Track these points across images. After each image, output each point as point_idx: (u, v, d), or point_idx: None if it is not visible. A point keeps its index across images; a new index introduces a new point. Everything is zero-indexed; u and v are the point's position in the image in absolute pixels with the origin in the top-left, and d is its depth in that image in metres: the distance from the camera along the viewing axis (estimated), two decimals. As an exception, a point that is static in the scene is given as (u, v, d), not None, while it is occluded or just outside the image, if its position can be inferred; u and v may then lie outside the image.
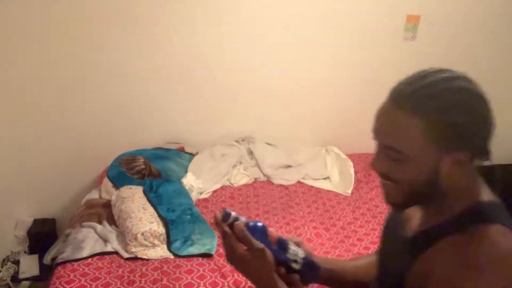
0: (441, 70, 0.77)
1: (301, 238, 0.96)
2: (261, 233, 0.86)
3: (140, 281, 1.84)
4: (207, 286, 1.82)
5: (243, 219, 0.85)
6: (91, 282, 1.84)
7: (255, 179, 2.78)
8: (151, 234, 2.04)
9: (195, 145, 2.96)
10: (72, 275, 1.87)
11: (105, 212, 2.31)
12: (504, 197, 2.94)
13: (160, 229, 2.09)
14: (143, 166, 2.57)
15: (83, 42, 2.67)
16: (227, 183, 2.72)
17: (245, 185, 2.71)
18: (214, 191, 2.63)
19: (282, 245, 0.88)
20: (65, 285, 1.82)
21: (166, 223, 2.13)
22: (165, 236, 2.08)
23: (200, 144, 2.96)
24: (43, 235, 2.71)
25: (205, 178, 2.67)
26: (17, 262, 2.62)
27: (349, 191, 2.64)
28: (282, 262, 0.87)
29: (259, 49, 2.87)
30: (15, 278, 2.52)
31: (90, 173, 2.89)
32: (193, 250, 2.04)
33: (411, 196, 0.80)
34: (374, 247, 2.11)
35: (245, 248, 0.84)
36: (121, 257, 2.01)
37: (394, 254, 0.89)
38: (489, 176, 3.12)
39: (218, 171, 2.73)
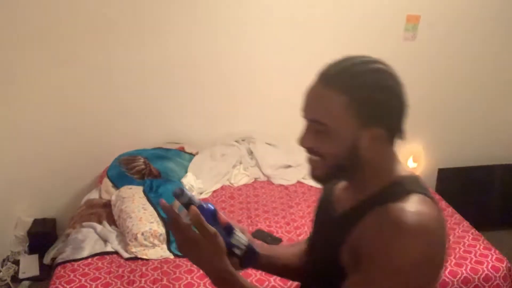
0: (362, 56, 0.85)
1: (244, 227, 1.00)
2: (211, 216, 0.87)
3: (140, 281, 1.84)
4: (207, 286, 1.82)
5: (196, 200, 0.85)
6: (91, 282, 1.84)
7: (255, 179, 2.78)
8: (151, 234, 2.04)
9: (195, 145, 2.96)
10: (72, 275, 1.87)
11: (105, 212, 2.31)
12: (504, 197, 2.92)
13: (160, 229, 2.09)
14: (143, 166, 2.57)
15: (83, 42, 2.67)
16: (227, 183, 2.72)
17: (245, 185, 2.71)
18: (214, 191, 2.63)
19: (228, 230, 0.89)
20: (65, 285, 1.82)
21: (166, 223, 2.12)
22: (165, 236, 2.08)
23: (200, 144, 2.96)
24: (43, 235, 2.71)
25: (205, 178, 2.67)
26: (17, 262, 2.62)
27: (349, 191, 2.64)
28: (226, 245, 0.88)
29: (259, 49, 2.87)
30: (15, 278, 2.52)
31: (90, 173, 2.89)
32: (193, 250, 2.04)
33: (335, 169, 0.86)
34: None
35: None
36: (121, 257, 2.01)
37: (326, 235, 0.94)
38: (489, 176, 3.10)
39: (218, 171, 2.73)
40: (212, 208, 0.87)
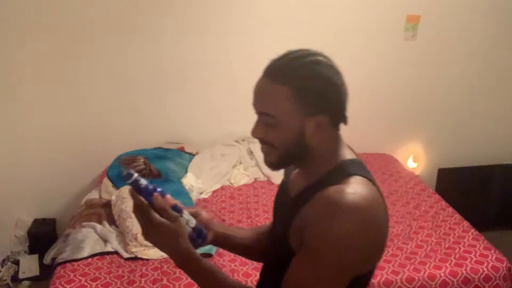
0: (303, 49, 0.91)
1: (199, 209, 1.05)
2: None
3: (140, 281, 1.84)
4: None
5: (143, 181, 0.89)
6: (91, 282, 1.84)
7: (255, 179, 2.78)
8: (151, 234, 2.04)
9: (195, 145, 2.96)
10: (72, 275, 1.87)
11: (105, 212, 2.31)
12: (504, 197, 2.92)
13: (160, 229, 2.08)
14: (143, 166, 2.57)
15: (83, 42, 2.67)
16: (227, 183, 2.72)
17: (245, 185, 2.71)
18: (214, 191, 2.63)
19: (176, 211, 0.91)
20: (65, 285, 1.82)
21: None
22: (165, 236, 2.08)
23: (200, 144, 2.96)
24: (43, 235, 2.70)
25: (205, 178, 2.67)
26: (17, 262, 2.62)
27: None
28: None
29: (259, 49, 2.86)
30: (15, 278, 2.53)
31: (90, 173, 2.89)
32: (193, 250, 2.04)
33: (285, 157, 0.92)
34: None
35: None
36: (121, 257, 2.01)
37: (280, 218, 1.01)
38: (489, 176, 3.10)
39: (218, 171, 2.73)
40: (160, 190, 0.90)
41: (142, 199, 0.87)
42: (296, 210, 0.91)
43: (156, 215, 0.87)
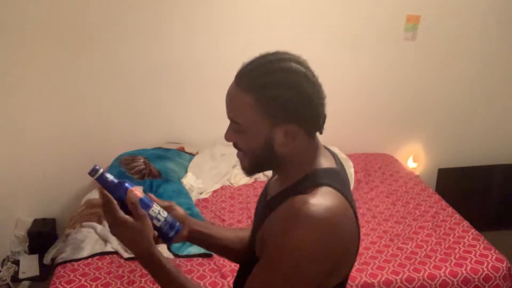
0: (275, 53, 0.88)
1: (173, 203, 1.02)
2: (123, 189, 0.90)
3: (140, 281, 1.84)
4: (207, 286, 1.83)
5: (109, 176, 0.90)
6: (91, 282, 1.84)
7: (255, 179, 2.78)
8: (151, 234, 2.04)
9: (195, 145, 2.96)
10: (72, 275, 1.87)
11: (105, 212, 2.31)
12: (504, 197, 2.93)
13: (160, 229, 2.09)
14: (143, 166, 2.57)
15: (83, 43, 2.67)
16: (227, 183, 2.72)
17: (245, 185, 2.71)
18: (214, 191, 2.63)
19: (144, 204, 0.91)
20: (65, 285, 1.82)
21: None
22: (165, 236, 2.08)
23: (200, 144, 2.96)
24: (43, 235, 2.71)
25: (205, 178, 2.67)
26: (17, 262, 2.62)
27: (349, 191, 2.63)
28: None
29: (259, 49, 2.86)
30: (15, 278, 2.52)
31: (90, 173, 2.88)
32: (193, 250, 2.04)
33: (255, 162, 0.91)
34: (374, 247, 2.11)
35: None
36: (121, 257, 2.01)
37: (254, 223, 1.00)
38: (489, 176, 3.11)
39: (218, 171, 2.73)
40: (127, 185, 0.91)
41: (109, 195, 0.87)
42: (263, 217, 0.91)
43: (121, 213, 0.87)
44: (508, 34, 3.12)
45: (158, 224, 0.93)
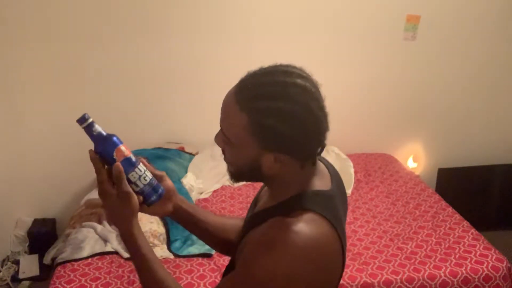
0: (281, 70, 0.81)
1: (165, 174, 0.99)
2: (110, 144, 0.87)
3: (140, 281, 1.84)
4: (207, 286, 1.83)
5: (98, 127, 0.86)
6: (91, 282, 1.84)
7: (255, 179, 2.78)
8: (151, 234, 2.04)
9: (195, 145, 2.96)
10: (72, 275, 1.87)
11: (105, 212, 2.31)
12: (504, 197, 2.93)
13: (160, 229, 2.09)
14: (143, 166, 2.57)
15: (83, 43, 2.67)
16: (227, 183, 2.72)
17: (245, 185, 2.71)
18: (214, 191, 2.63)
19: (128, 163, 0.88)
20: (65, 285, 1.82)
21: (166, 223, 2.12)
22: (165, 236, 2.08)
23: (200, 144, 2.96)
24: (43, 235, 2.70)
25: (205, 178, 2.67)
26: (17, 262, 2.62)
27: (349, 191, 2.64)
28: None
29: (259, 49, 2.86)
30: (15, 278, 2.52)
31: (90, 173, 2.85)
32: (193, 250, 2.04)
33: (240, 175, 0.88)
34: (374, 247, 2.11)
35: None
36: (121, 257, 2.01)
37: (241, 231, 0.96)
38: (489, 176, 3.10)
39: (218, 171, 2.73)
40: (115, 138, 0.88)
41: (99, 164, 0.86)
42: (247, 229, 0.89)
43: (106, 186, 0.85)
44: (508, 34, 3.12)
45: (136, 189, 0.89)
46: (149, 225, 2.07)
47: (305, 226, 0.78)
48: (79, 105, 2.78)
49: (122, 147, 0.88)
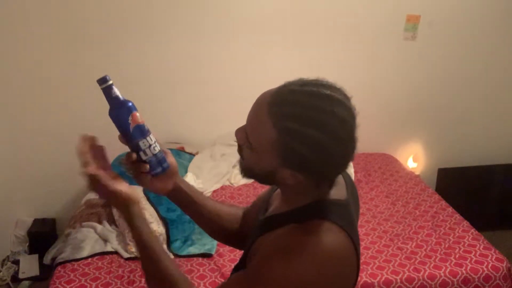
0: (328, 97, 0.76)
1: (169, 152, 1.00)
2: (126, 110, 0.89)
3: (140, 281, 1.84)
4: (207, 286, 1.83)
5: (117, 91, 0.88)
6: (91, 282, 1.84)
7: (255, 179, 2.78)
8: (151, 234, 2.04)
9: (195, 145, 2.96)
10: (72, 275, 1.87)
11: (105, 212, 2.31)
12: (504, 197, 2.92)
13: (160, 229, 2.09)
14: (143, 166, 2.57)
15: (83, 43, 2.67)
16: (227, 183, 2.72)
17: (245, 185, 2.71)
18: (214, 191, 2.63)
19: (141, 131, 0.91)
20: (65, 285, 1.82)
21: (166, 223, 2.12)
22: (165, 236, 2.08)
23: (200, 144, 2.96)
24: (43, 235, 2.70)
25: (205, 178, 2.67)
26: (17, 262, 2.62)
27: (349, 191, 2.63)
28: (134, 147, 0.92)
29: (259, 49, 2.87)
30: (15, 278, 2.52)
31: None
32: (193, 250, 2.04)
33: (250, 174, 0.87)
34: (374, 247, 2.11)
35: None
36: (121, 257, 2.01)
37: (252, 232, 0.96)
38: (489, 176, 3.10)
39: (218, 171, 2.73)
40: (130, 104, 0.90)
41: (94, 170, 0.88)
42: (258, 233, 0.88)
43: (101, 181, 0.88)
44: (508, 34, 3.12)
45: (144, 157, 0.91)
46: (149, 225, 2.07)
47: (324, 237, 0.78)
48: (79, 105, 2.78)
49: (137, 114, 0.90)
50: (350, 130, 0.77)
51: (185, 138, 2.99)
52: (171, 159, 0.97)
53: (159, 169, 0.93)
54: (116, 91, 0.87)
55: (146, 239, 0.89)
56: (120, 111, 0.89)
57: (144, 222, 0.90)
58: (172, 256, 2.01)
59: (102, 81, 0.86)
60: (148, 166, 0.91)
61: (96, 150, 0.94)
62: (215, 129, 3.02)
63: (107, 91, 0.87)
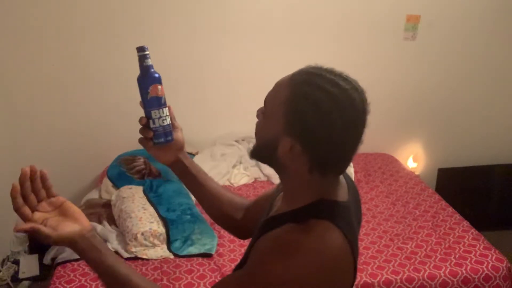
0: (349, 82, 0.80)
1: (180, 128, 1.09)
2: (151, 80, 0.98)
3: (140, 281, 1.84)
4: (207, 286, 1.82)
5: (150, 61, 0.97)
6: (91, 282, 1.84)
7: (255, 179, 2.78)
8: (151, 234, 2.04)
9: (195, 145, 2.96)
10: (72, 275, 1.87)
11: (105, 212, 2.31)
12: (504, 197, 2.92)
13: (160, 229, 2.09)
14: (143, 166, 2.57)
15: (83, 42, 2.67)
16: (227, 183, 2.72)
17: (245, 185, 2.71)
18: (214, 191, 2.63)
19: (157, 102, 0.99)
20: (65, 285, 1.82)
21: (166, 223, 2.12)
22: (165, 236, 2.08)
23: (200, 144, 2.96)
24: (43, 235, 2.70)
25: (205, 178, 2.67)
26: (17, 262, 2.62)
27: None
28: (147, 113, 1.00)
29: (259, 50, 2.87)
30: (15, 278, 2.52)
31: (90, 173, 2.88)
32: (193, 250, 2.04)
33: (256, 150, 0.89)
34: (374, 247, 2.11)
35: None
36: (121, 257, 2.01)
37: (255, 232, 0.95)
38: (489, 176, 3.10)
39: (218, 171, 2.73)
40: (157, 75, 0.99)
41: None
42: (260, 233, 0.88)
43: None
44: (508, 34, 3.12)
45: (152, 125, 0.99)
46: (149, 225, 2.07)
47: (320, 235, 0.78)
48: (79, 105, 2.79)
49: (159, 86, 0.98)
50: (357, 115, 0.78)
51: (185, 138, 2.97)
52: (179, 135, 1.06)
53: (161, 139, 1.00)
54: (149, 61, 0.97)
55: (107, 267, 0.88)
56: (144, 79, 0.98)
57: (99, 251, 0.89)
58: (172, 256, 2.01)
59: (140, 49, 0.97)
60: (152, 133, 0.99)
61: (35, 182, 0.94)
62: (215, 129, 3.02)
63: (141, 59, 0.97)
